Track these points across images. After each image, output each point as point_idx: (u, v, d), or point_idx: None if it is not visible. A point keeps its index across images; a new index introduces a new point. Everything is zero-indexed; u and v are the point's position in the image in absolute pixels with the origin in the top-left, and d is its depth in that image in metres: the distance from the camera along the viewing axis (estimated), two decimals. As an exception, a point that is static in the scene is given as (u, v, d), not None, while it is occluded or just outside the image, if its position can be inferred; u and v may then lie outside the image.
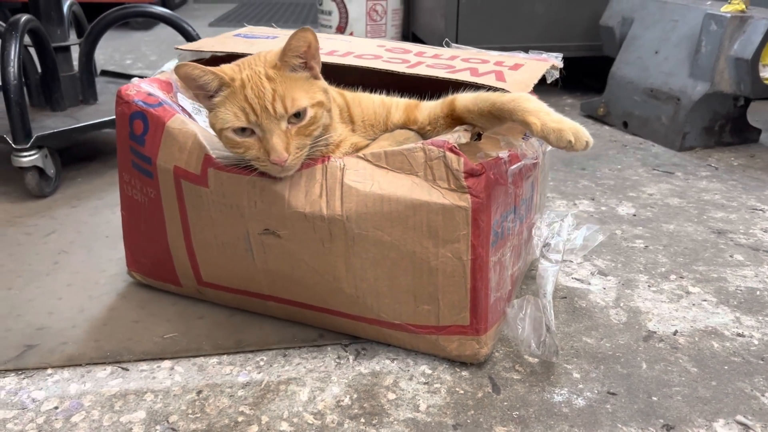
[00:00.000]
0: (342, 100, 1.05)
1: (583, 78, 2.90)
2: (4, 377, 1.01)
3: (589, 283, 1.30)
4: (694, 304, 1.23)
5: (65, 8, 1.89)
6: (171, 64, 1.23)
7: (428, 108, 1.05)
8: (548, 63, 1.23)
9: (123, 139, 1.11)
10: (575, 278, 1.32)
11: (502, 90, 1.02)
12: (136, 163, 1.10)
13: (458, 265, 0.96)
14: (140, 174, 1.10)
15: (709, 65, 1.98)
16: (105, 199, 1.63)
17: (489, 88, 1.03)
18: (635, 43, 2.27)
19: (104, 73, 2.21)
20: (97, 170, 1.81)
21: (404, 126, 1.06)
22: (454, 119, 1.02)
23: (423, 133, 1.06)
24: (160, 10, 1.85)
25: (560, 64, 1.26)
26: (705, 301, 1.25)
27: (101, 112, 1.83)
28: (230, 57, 1.08)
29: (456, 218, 0.94)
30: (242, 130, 0.92)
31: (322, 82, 0.97)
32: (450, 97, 1.03)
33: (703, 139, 2.11)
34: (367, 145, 1.04)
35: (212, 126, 0.95)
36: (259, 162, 0.93)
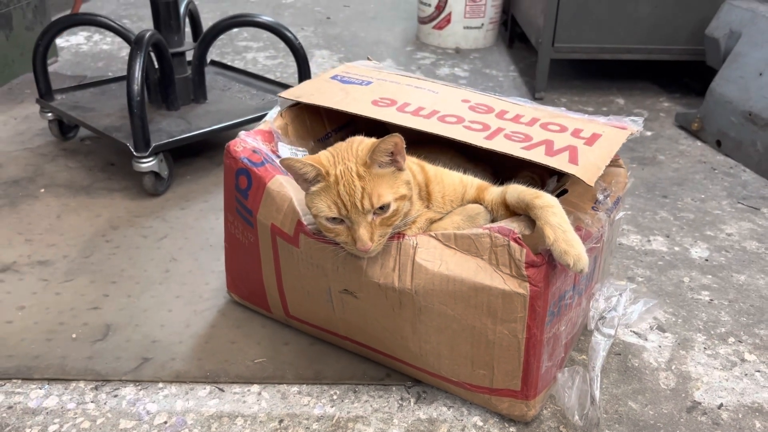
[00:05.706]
0: (423, 177, 1.15)
1: (684, 77, 2.81)
2: (125, 386, 1.22)
3: (646, 339, 1.37)
4: (746, 374, 1.28)
5: (182, 8, 2.05)
6: (273, 113, 1.35)
7: (493, 193, 1.14)
8: (627, 132, 1.27)
9: (230, 188, 1.26)
10: (634, 331, 1.39)
11: (573, 175, 1.10)
12: (239, 210, 1.25)
13: (513, 341, 1.07)
14: (243, 221, 1.25)
15: (814, 98, 1.91)
16: (210, 202, 1.81)
17: (558, 171, 1.11)
18: (739, 60, 2.20)
19: (213, 63, 2.38)
20: (203, 167, 2.00)
21: (475, 202, 1.16)
22: (509, 210, 1.11)
23: None
24: (265, 19, 1.98)
25: (640, 128, 1.29)
26: (758, 371, 1.29)
27: (210, 113, 2.00)
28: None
29: (514, 303, 1.04)
30: (333, 219, 1.05)
31: (406, 174, 1.08)
32: (504, 189, 1.13)
33: (799, 171, 2.05)
34: (440, 218, 1.15)
35: (308, 208, 1.08)
36: (347, 246, 1.06)
